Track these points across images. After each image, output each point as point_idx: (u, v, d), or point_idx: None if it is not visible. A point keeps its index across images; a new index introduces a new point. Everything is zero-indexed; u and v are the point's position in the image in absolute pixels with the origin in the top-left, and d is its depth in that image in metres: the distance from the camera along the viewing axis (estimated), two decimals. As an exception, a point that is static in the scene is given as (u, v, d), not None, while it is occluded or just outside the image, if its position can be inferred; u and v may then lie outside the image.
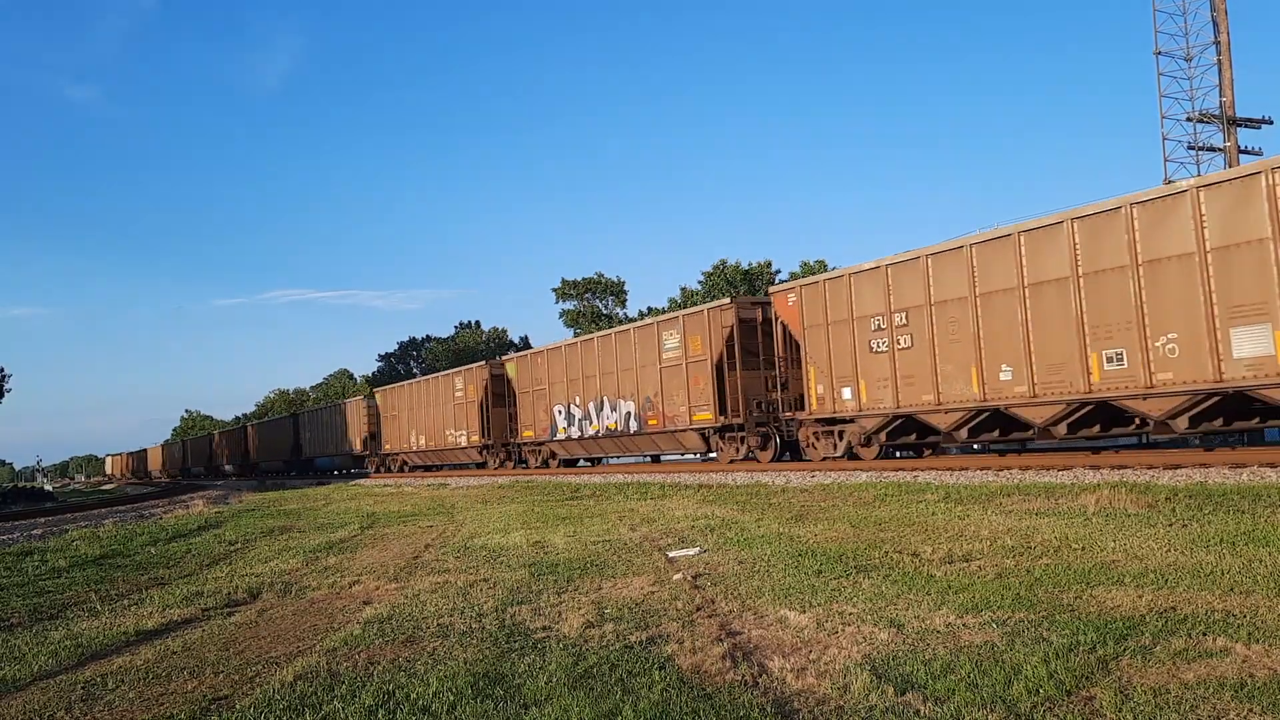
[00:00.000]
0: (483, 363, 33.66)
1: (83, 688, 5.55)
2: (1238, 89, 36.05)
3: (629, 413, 24.94)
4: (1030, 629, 5.11)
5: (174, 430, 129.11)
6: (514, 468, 31.48)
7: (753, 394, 21.35)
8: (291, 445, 53.33)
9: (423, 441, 37.31)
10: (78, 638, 7.05)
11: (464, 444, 34.05)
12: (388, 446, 40.49)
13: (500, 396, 32.40)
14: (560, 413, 28.23)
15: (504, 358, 32.42)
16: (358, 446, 43.76)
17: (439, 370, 54.65)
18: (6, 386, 49.88)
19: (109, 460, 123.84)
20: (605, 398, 25.97)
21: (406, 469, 39.75)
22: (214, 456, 70.81)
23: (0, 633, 7.60)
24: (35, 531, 18.82)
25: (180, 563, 11.91)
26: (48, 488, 68.51)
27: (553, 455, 29.46)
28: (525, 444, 30.54)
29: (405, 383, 40.72)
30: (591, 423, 26.54)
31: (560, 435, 28.23)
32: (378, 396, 42.42)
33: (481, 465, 34.46)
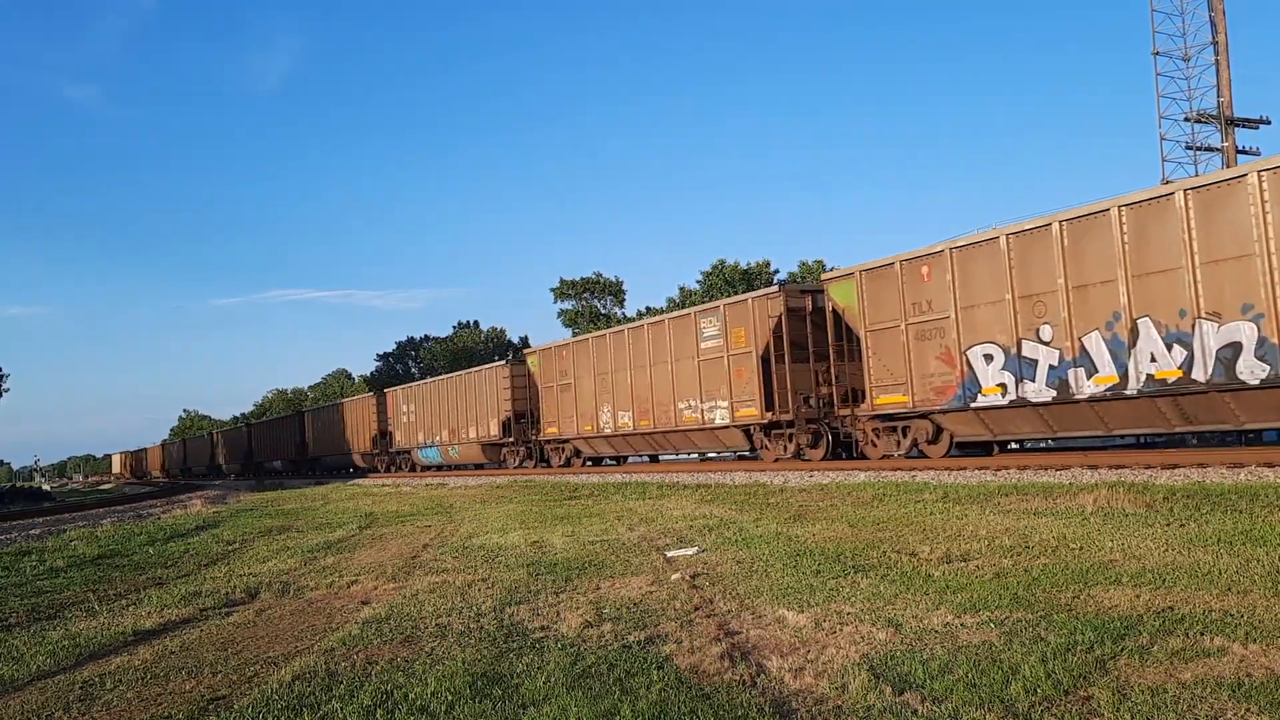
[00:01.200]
0: (771, 289, 20.86)
1: (81, 688, 5.55)
2: (1235, 89, 36.16)
3: (1233, 345, 12.63)
4: (1028, 628, 5.12)
5: (172, 430, 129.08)
6: (825, 458, 19.19)
7: None
8: (376, 434, 41.71)
9: (624, 421, 24.73)
10: (75, 638, 7.04)
11: (722, 422, 21.49)
12: (550, 430, 28.21)
13: (799, 345, 19.83)
14: (990, 358, 15.77)
15: (826, 276, 19.28)
16: (493, 430, 31.64)
17: (438, 372, 52.04)
18: (5, 386, 49.90)
19: (115, 458, 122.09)
20: (1146, 320, 13.52)
21: (579, 461, 28.12)
22: (252, 451, 59.43)
23: (-2, 633, 7.60)
24: (33, 531, 18.81)
25: (178, 563, 11.90)
26: (46, 487, 68.44)
27: (935, 433, 16.98)
28: (883, 416, 17.67)
29: (590, 335, 27.32)
30: (1095, 371, 14.23)
31: (989, 398, 15.76)
32: (533, 359, 29.42)
33: (748, 455, 22.79)
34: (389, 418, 40.49)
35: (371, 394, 44.05)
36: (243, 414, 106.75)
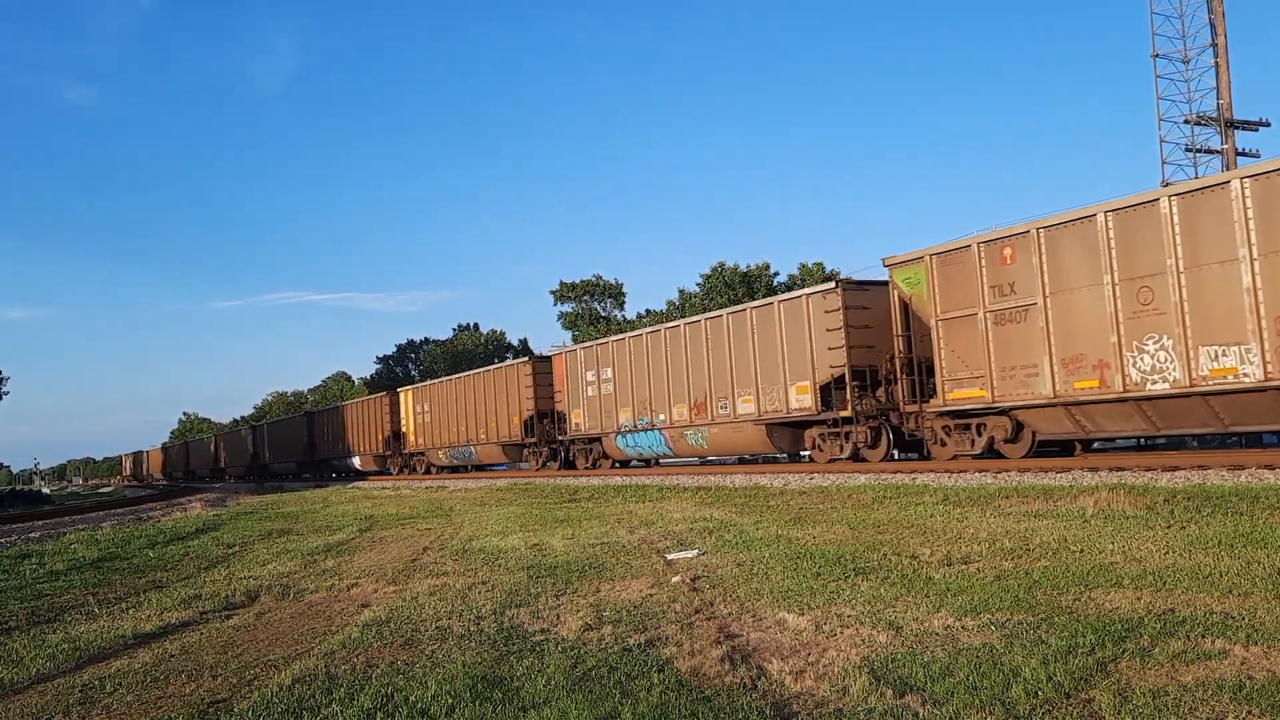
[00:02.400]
0: None
1: (80, 691, 5.54)
2: (1235, 91, 36.09)
3: None
4: (1029, 631, 5.11)
5: (172, 433, 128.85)
6: None
7: None
8: (531, 415, 29.42)
9: (1224, 365, 12.39)
10: (75, 641, 7.04)
11: None
12: (967, 393, 15.89)
13: None
14: None
15: None
16: (795, 402, 19.40)
17: (439, 374, 49.17)
18: (4, 390, 49.89)
19: (126, 460, 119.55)
20: None
21: (1020, 449, 15.70)
22: (314, 447, 47.04)
23: (-2, 636, 7.60)
24: (33, 534, 18.81)
25: (178, 565, 11.89)
26: (45, 490, 68.48)
27: None
28: None
29: (1101, 207, 13.77)
30: None
31: None
32: (910, 274, 16.90)
33: None
34: (555, 392, 28.27)
35: (525, 360, 31.30)
36: (243, 416, 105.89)
